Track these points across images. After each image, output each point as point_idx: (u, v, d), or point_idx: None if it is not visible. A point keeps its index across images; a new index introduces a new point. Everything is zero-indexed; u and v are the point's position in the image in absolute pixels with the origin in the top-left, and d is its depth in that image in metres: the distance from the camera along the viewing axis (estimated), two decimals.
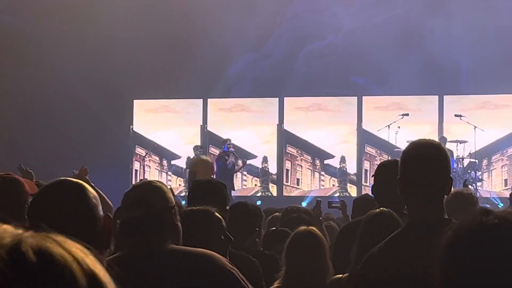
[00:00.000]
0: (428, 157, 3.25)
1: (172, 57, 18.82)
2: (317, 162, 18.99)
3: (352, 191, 18.53)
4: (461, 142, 16.49)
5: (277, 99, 19.29)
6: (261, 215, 6.71)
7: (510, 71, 17.75)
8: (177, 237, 3.31)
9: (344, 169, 18.88)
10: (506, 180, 18.05)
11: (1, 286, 0.92)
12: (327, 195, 18.13)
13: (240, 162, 17.58)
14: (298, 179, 19.06)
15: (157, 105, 19.86)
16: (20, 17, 19.21)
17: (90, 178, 6.89)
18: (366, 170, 18.52)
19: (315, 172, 19.01)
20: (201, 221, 3.87)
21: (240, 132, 18.80)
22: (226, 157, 17.12)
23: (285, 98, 19.24)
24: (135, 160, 19.45)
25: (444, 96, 18.56)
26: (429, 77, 18.24)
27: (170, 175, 19.30)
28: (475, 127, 17.00)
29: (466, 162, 16.47)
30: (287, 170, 19.09)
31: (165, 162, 19.47)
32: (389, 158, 14.97)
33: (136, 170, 19.30)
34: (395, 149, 16.86)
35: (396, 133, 17.10)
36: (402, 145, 16.53)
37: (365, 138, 18.68)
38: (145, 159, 18.94)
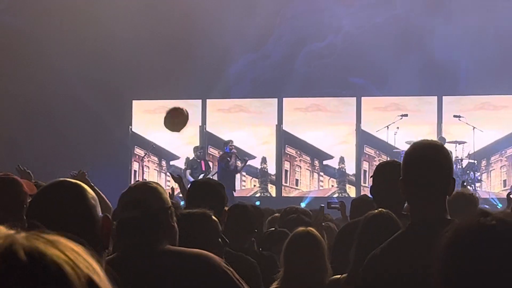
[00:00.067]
0: (431, 158, 3.25)
1: (171, 57, 18.82)
2: (316, 162, 19.00)
3: (351, 191, 18.53)
4: (460, 143, 16.49)
5: (276, 99, 19.29)
6: (261, 215, 6.73)
7: (509, 72, 17.75)
8: (173, 238, 3.31)
9: (343, 169, 18.89)
10: (505, 180, 18.06)
11: None
12: (326, 195, 18.15)
13: (239, 163, 17.60)
14: (297, 180, 19.07)
15: (156, 106, 19.83)
16: (20, 17, 19.20)
17: (89, 178, 6.89)
18: (365, 171, 18.52)
19: (314, 173, 19.01)
20: (198, 224, 3.87)
21: (239, 133, 18.80)
22: (228, 159, 17.14)
23: (284, 98, 19.24)
24: (134, 160, 19.45)
25: (443, 97, 18.56)
26: (428, 78, 18.25)
27: (169, 176, 19.29)
28: (474, 127, 17.01)
29: (465, 163, 16.48)
30: (286, 170, 19.09)
31: (164, 163, 19.47)
32: (388, 159, 15.00)
33: (135, 171, 19.30)
34: (394, 150, 16.88)
35: (395, 134, 17.10)
36: (401, 146, 16.56)
37: (364, 139, 18.69)
38: (144, 159, 18.94)
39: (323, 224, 7.44)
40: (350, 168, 18.86)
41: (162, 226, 3.24)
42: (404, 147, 16.17)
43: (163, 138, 19.44)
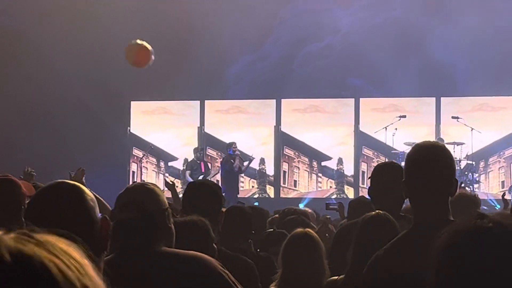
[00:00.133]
0: (433, 159, 3.26)
1: (169, 58, 18.80)
2: (314, 163, 19.00)
3: (349, 193, 18.54)
4: (458, 144, 16.48)
5: (274, 100, 19.29)
6: (263, 216, 6.73)
7: (507, 73, 17.77)
8: (170, 240, 3.31)
9: (341, 171, 18.89)
10: (503, 182, 18.07)
11: None
12: (324, 196, 18.16)
13: (245, 163, 17.64)
14: (295, 181, 19.07)
15: (154, 107, 19.86)
16: (19, 18, 19.18)
17: (87, 179, 6.89)
18: (363, 172, 18.53)
19: (313, 174, 19.02)
20: (187, 234, 3.84)
21: (237, 134, 18.79)
22: (232, 161, 17.15)
23: (282, 99, 19.25)
24: (132, 161, 19.45)
25: (441, 98, 18.57)
26: (426, 79, 18.25)
27: (167, 177, 19.28)
28: (472, 129, 17.02)
29: (463, 164, 16.48)
30: (284, 171, 19.09)
31: (162, 164, 19.47)
32: (386, 160, 15.01)
33: (133, 172, 19.30)
34: (392, 151, 16.88)
35: (393, 135, 17.09)
36: (399, 147, 16.57)
37: (362, 140, 18.69)
38: (142, 160, 18.93)
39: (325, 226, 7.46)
40: (349, 169, 18.86)
41: (158, 227, 3.23)
42: (403, 148, 16.19)
43: (162, 139, 19.46)
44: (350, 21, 18.68)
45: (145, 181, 14.74)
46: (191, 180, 16.24)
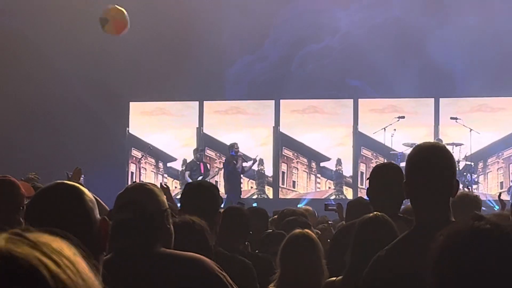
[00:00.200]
0: (434, 160, 3.26)
1: (168, 59, 18.82)
2: (313, 164, 19.00)
3: (348, 193, 18.54)
4: (457, 144, 16.48)
5: (273, 101, 19.29)
6: (265, 216, 6.73)
7: (506, 74, 17.78)
8: (168, 241, 3.31)
9: (340, 171, 18.89)
10: (501, 182, 18.07)
11: None
12: (323, 197, 18.15)
13: (249, 163, 17.64)
14: (294, 182, 19.07)
15: (153, 107, 19.86)
16: (19, 18, 19.18)
17: (86, 179, 6.89)
18: (362, 173, 18.53)
19: (311, 175, 19.02)
20: (181, 236, 3.84)
21: (236, 135, 18.78)
22: (235, 162, 17.15)
23: (281, 100, 19.25)
24: (131, 162, 19.45)
25: (440, 99, 18.57)
26: (425, 80, 18.26)
27: (166, 177, 19.30)
28: (471, 129, 17.02)
29: (462, 164, 16.47)
30: (283, 172, 19.10)
31: (161, 165, 19.47)
32: (385, 161, 15.02)
33: (132, 172, 19.30)
34: (391, 152, 16.89)
35: (392, 136, 17.09)
36: (398, 148, 16.58)
37: (361, 141, 18.69)
38: (141, 161, 18.93)
39: (320, 225, 7.46)
40: (347, 170, 18.86)
41: (157, 228, 3.23)
42: (401, 149, 16.20)
43: (160, 140, 19.46)
44: (349, 21, 18.69)
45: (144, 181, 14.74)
46: (191, 181, 16.24)
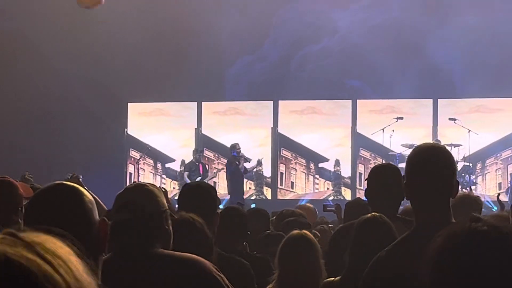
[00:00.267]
0: (434, 161, 3.26)
1: (167, 60, 18.81)
2: (312, 165, 19.00)
3: (347, 194, 18.53)
4: (455, 145, 16.47)
5: (271, 102, 19.29)
6: (267, 217, 6.73)
7: (504, 75, 17.79)
8: (167, 242, 3.31)
9: (339, 172, 18.89)
10: (500, 183, 18.08)
11: None
12: (321, 198, 18.13)
13: (250, 164, 17.69)
14: (292, 183, 19.07)
15: (151, 108, 19.86)
16: (19, 18, 19.17)
17: (84, 180, 6.88)
18: (360, 174, 18.53)
19: (310, 176, 19.02)
20: (179, 232, 3.84)
21: (235, 135, 18.77)
22: (237, 162, 17.15)
23: (279, 101, 19.24)
24: (130, 163, 19.45)
25: (439, 100, 18.58)
26: (423, 81, 18.26)
27: (164, 178, 19.30)
28: (469, 130, 17.02)
29: (460, 165, 16.47)
30: (282, 173, 19.09)
31: (159, 165, 19.46)
32: (384, 162, 15.02)
33: (130, 173, 19.29)
34: (389, 153, 16.89)
35: (390, 137, 17.10)
36: (397, 148, 16.58)
37: (359, 142, 18.69)
38: (140, 162, 18.93)
39: (318, 226, 7.47)
40: (346, 171, 18.86)
41: (155, 229, 3.23)
42: (400, 150, 16.21)
43: (159, 141, 19.45)
44: (348, 22, 18.68)
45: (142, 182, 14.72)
46: (189, 181, 16.24)
